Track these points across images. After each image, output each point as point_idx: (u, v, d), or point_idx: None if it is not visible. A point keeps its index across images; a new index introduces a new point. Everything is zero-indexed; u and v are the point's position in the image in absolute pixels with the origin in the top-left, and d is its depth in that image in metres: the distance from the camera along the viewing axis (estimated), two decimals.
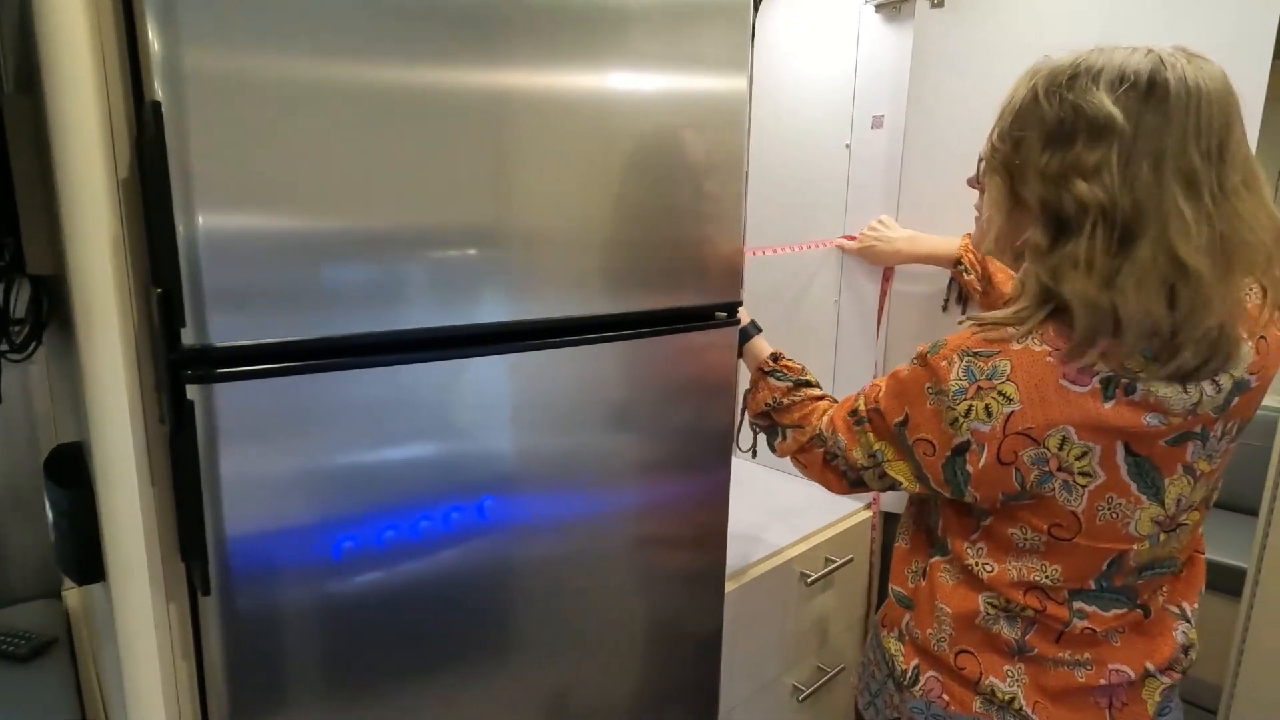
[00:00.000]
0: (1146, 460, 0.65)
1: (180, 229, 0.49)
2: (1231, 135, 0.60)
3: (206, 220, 0.50)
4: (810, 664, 1.33)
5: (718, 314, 0.92)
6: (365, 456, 0.61)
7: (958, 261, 1.17)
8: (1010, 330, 0.66)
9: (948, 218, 1.25)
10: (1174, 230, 0.58)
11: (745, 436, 1.00)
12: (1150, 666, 0.72)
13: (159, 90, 0.48)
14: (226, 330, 0.52)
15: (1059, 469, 0.65)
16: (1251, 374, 0.66)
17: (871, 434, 0.77)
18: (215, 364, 0.52)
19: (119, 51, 0.50)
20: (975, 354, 0.67)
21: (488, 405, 0.68)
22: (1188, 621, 0.75)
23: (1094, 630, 0.70)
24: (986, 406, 0.66)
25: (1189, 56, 0.61)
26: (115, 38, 0.50)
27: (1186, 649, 0.75)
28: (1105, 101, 0.60)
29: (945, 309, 1.27)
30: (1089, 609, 0.70)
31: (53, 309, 0.73)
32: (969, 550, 0.73)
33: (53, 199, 0.65)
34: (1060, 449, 0.65)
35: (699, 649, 0.99)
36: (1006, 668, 0.72)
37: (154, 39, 0.47)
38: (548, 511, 0.76)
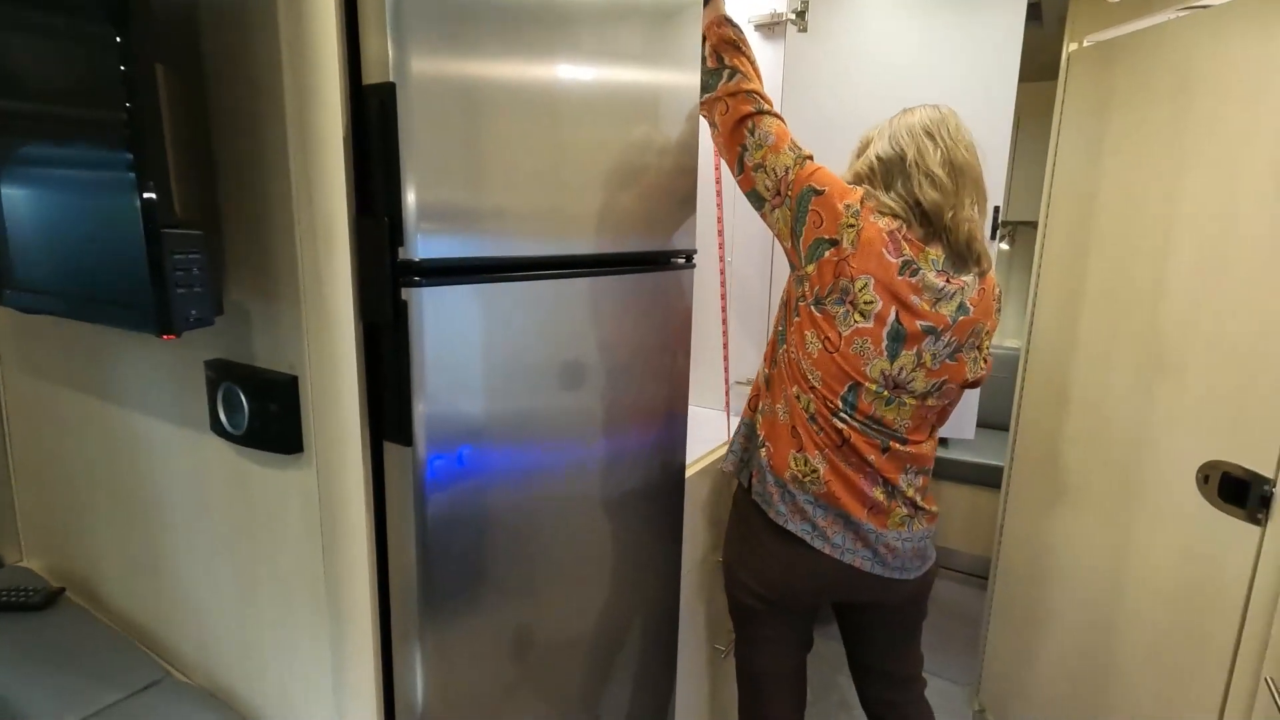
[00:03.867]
0: (903, 329, 1.12)
1: (403, 177, 0.69)
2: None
3: (417, 169, 0.70)
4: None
5: (674, 259, 1.22)
6: (515, 350, 0.84)
7: None
8: (874, 204, 1.15)
9: None
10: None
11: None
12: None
13: (391, 74, 0.67)
14: (426, 249, 0.72)
15: (849, 301, 1.11)
16: (971, 304, 1.14)
17: (801, 168, 1.16)
18: (418, 274, 0.72)
19: (343, 48, 0.68)
20: (850, 201, 1.13)
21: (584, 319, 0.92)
22: (887, 488, 1.21)
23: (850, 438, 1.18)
24: (850, 237, 1.11)
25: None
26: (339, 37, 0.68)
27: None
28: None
29: None
30: (849, 420, 1.17)
31: None
32: (793, 338, 1.19)
33: (204, 160, 0.78)
34: (860, 290, 1.11)
35: (671, 525, 1.29)
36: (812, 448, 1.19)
37: (389, 39, 0.67)
38: (599, 427, 1.01)
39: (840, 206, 1.12)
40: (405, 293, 0.71)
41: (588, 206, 0.92)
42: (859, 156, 1.26)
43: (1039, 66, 2.26)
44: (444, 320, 0.75)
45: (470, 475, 0.81)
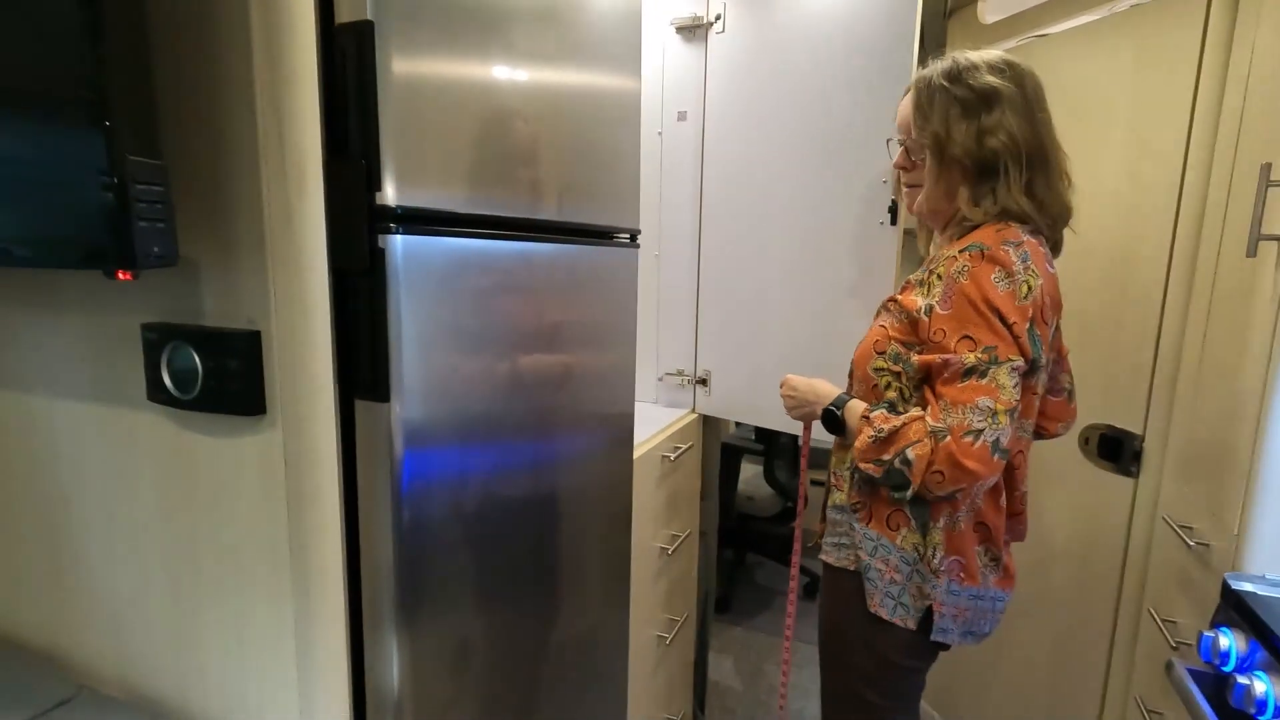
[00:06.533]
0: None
1: (380, 119, 0.66)
2: None
3: (394, 112, 0.68)
4: (667, 532, 1.70)
5: (618, 235, 1.23)
6: (489, 307, 0.81)
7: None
8: (1016, 227, 0.89)
9: (737, 189, 1.73)
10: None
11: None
12: None
13: (370, 13, 0.65)
14: (403, 196, 0.70)
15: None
16: None
17: (1003, 371, 0.82)
18: (395, 221, 0.69)
19: None
20: (1013, 243, 0.86)
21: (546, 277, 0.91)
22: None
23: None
24: (1027, 283, 0.85)
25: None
26: None
27: None
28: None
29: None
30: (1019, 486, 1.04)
31: None
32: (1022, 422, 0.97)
33: (146, 97, 0.72)
34: (1054, 326, 0.93)
35: (621, 515, 1.29)
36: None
37: None
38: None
39: (1022, 279, 0.85)
40: (381, 239, 0.68)
41: (564, 176, 0.93)
42: (965, 114, 0.93)
43: None
44: (420, 269, 0.72)
45: (448, 432, 0.78)
